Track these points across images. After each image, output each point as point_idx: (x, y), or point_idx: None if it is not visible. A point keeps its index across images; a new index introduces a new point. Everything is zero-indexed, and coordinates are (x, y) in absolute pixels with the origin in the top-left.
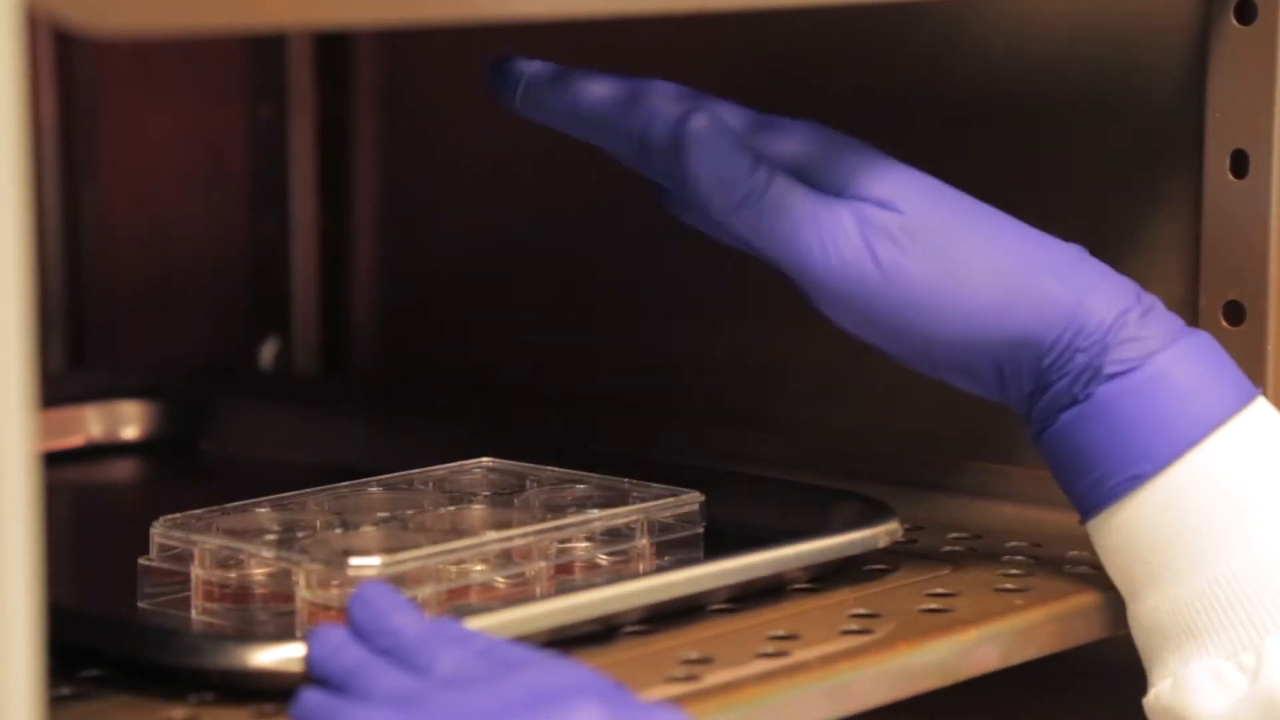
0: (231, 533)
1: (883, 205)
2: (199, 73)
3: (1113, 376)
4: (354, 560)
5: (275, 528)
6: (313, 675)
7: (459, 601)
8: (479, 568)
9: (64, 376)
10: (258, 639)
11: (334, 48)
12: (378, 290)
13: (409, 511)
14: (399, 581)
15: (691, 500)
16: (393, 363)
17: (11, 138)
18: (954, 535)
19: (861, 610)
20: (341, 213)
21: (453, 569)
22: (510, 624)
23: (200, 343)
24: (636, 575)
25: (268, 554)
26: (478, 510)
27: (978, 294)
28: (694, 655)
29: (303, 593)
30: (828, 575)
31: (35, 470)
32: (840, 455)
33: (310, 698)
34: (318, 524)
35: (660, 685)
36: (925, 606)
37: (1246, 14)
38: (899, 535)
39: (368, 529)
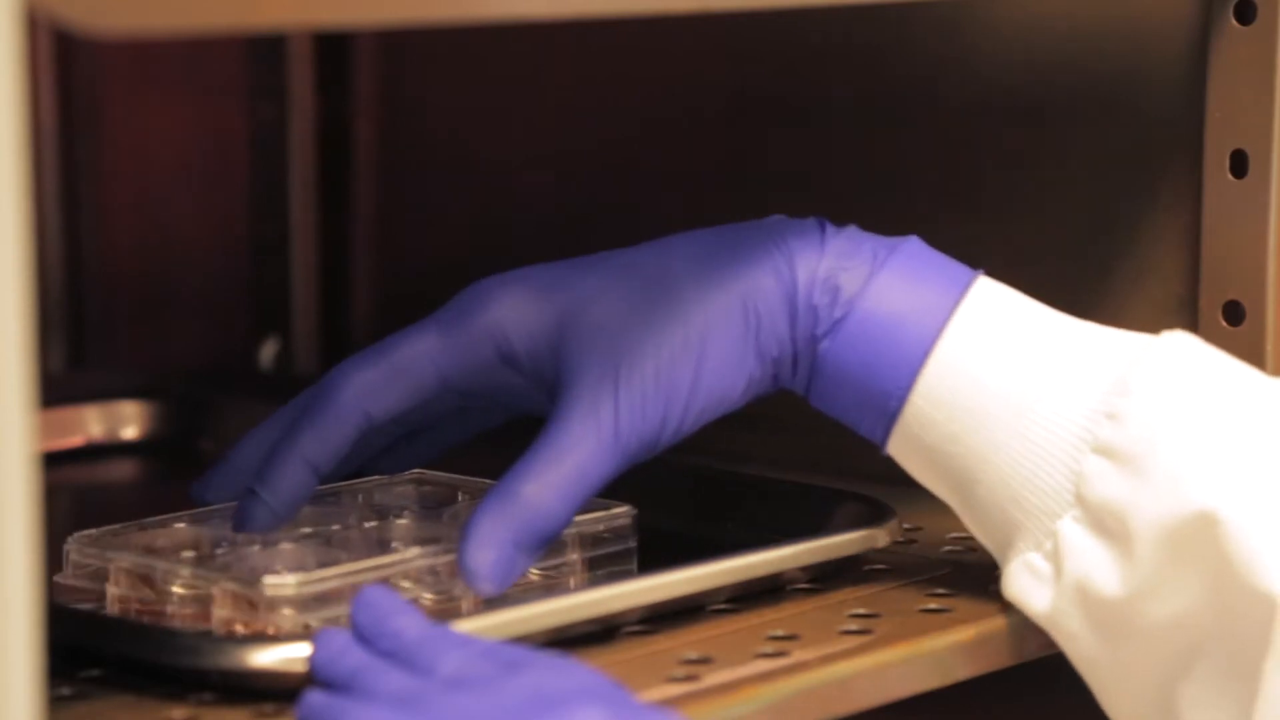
0: (148, 550)
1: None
2: (199, 73)
3: (826, 335)
4: (269, 579)
5: (194, 545)
6: (316, 677)
7: None
8: (405, 585)
9: (64, 376)
10: (258, 639)
11: (334, 48)
12: (378, 290)
13: (333, 527)
14: (320, 601)
15: (624, 514)
16: None
17: (11, 138)
18: (954, 535)
19: (861, 610)
20: (341, 213)
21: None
22: (510, 624)
23: (200, 343)
24: (569, 591)
25: (185, 572)
26: (403, 525)
27: (700, 396)
28: (694, 655)
29: (219, 612)
30: (828, 575)
31: (35, 470)
32: (840, 455)
33: (314, 699)
34: (238, 539)
35: (660, 685)
36: (925, 606)
37: (1246, 14)
38: (899, 535)
39: (288, 546)
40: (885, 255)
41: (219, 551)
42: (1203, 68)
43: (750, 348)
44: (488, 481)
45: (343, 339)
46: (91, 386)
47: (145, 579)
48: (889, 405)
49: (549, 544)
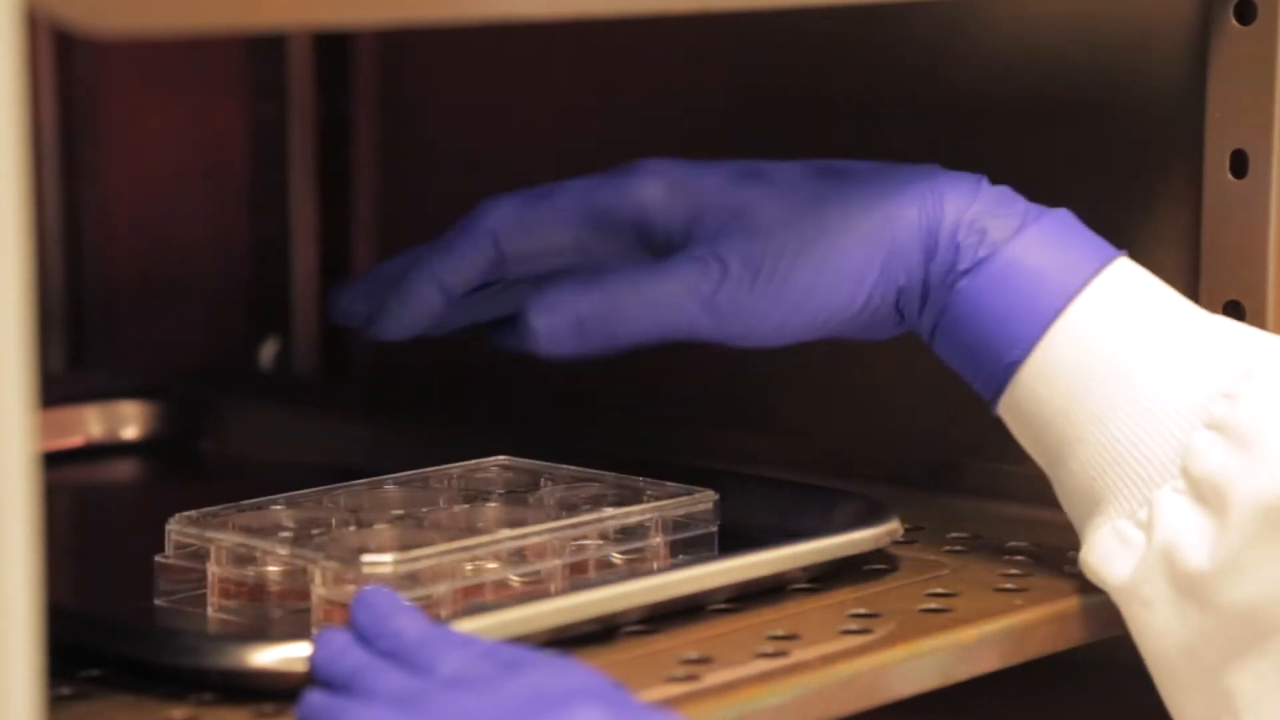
0: (247, 530)
1: (713, 260)
2: (199, 73)
3: (966, 273)
4: (367, 558)
5: (290, 525)
6: (316, 677)
7: (473, 600)
8: (493, 566)
9: (64, 376)
10: (257, 639)
11: (334, 48)
12: None
13: (424, 509)
14: (413, 580)
15: (705, 499)
16: (393, 363)
17: (11, 138)
18: (954, 535)
19: (861, 610)
20: (341, 213)
21: (467, 567)
22: (511, 624)
23: (200, 343)
24: (650, 573)
25: (283, 551)
26: (492, 508)
27: (817, 296)
28: (694, 655)
29: (317, 590)
30: (828, 575)
31: (35, 470)
32: (840, 455)
33: (314, 699)
34: (333, 521)
35: (660, 685)
36: (925, 606)
37: (1246, 14)
38: (899, 535)
39: (382, 527)
40: (1037, 214)
41: (315, 532)
42: (1203, 68)
43: (874, 268)
44: (572, 468)
45: (343, 339)
46: (91, 386)
47: (244, 558)
48: (1012, 354)
49: (609, 343)
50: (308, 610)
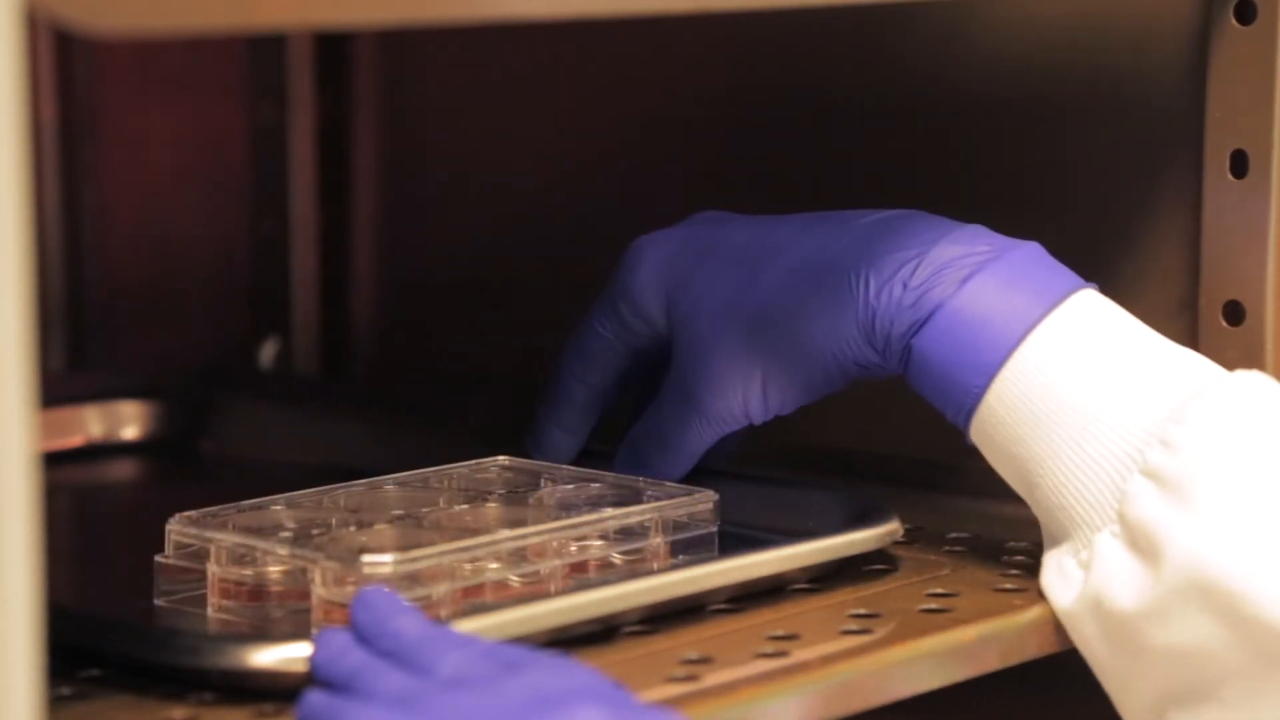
0: (247, 530)
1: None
2: (199, 73)
3: (915, 333)
4: (367, 558)
5: (291, 525)
6: (316, 677)
7: (473, 600)
8: (493, 566)
9: (64, 376)
10: (257, 639)
11: (334, 48)
12: (378, 290)
13: (424, 510)
14: (413, 580)
15: (705, 499)
16: (393, 363)
17: (11, 138)
18: (954, 535)
19: (861, 610)
20: (341, 213)
21: (467, 567)
22: (511, 624)
23: (200, 343)
24: (650, 573)
25: (283, 551)
26: (493, 508)
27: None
28: (694, 655)
29: (318, 590)
30: (828, 575)
31: (35, 470)
32: (840, 455)
33: (314, 699)
34: (333, 522)
35: (660, 685)
36: (925, 606)
37: (1246, 14)
38: (899, 535)
39: (382, 527)
40: (992, 257)
41: (315, 533)
42: (1203, 68)
43: (827, 362)
44: (572, 468)
45: (343, 339)
46: (91, 386)
47: (244, 558)
48: (966, 402)
49: None
50: (308, 610)
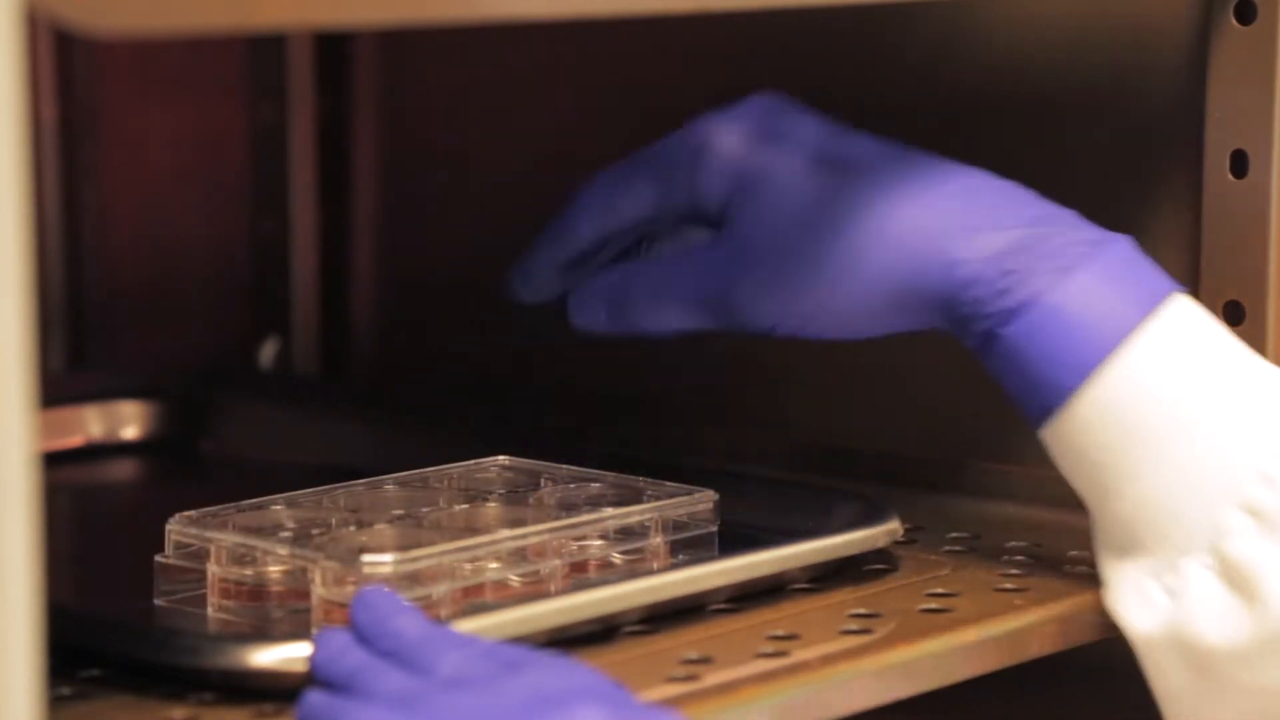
0: (247, 530)
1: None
2: (199, 73)
3: (1006, 322)
4: (367, 558)
5: (291, 525)
6: (316, 677)
7: (473, 599)
8: (493, 566)
9: (64, 376)
10: (257, 639)
11: (334, 48)
12: (378, 290)
13: (424, 509)
14: (413, 579)
15: (705, 499)
16: (393, 363)
17: (11, 138)
18: (954, 535)
19: (861, 610)
20: (341, 213)
21: (467, 567)
22: (510, 624)
23: (200, 343)
24: (650, 573)
25: (283, 551)
26: (493, 508)
27: (838, 314)
28: (694, 655)
29: (318, 590)
30: (828, 575)
31: (35, 470)
32: (840, 455)
33: (314, 699)
34: (333, 521)
35: (660, 685)
36: (925, 606)
37: (1246, 14)
38: (899, 535)
39: (382, 527)
40: (1088, 252)
41: (315, 532)
42: (1203, 68)
43: (898, 308)
44: (572, 468)
45: (343, 339)
46: (91, 386)
47: (244, 558)
48: (1051, 401)
49: (635, 330)
50: (308, 610)
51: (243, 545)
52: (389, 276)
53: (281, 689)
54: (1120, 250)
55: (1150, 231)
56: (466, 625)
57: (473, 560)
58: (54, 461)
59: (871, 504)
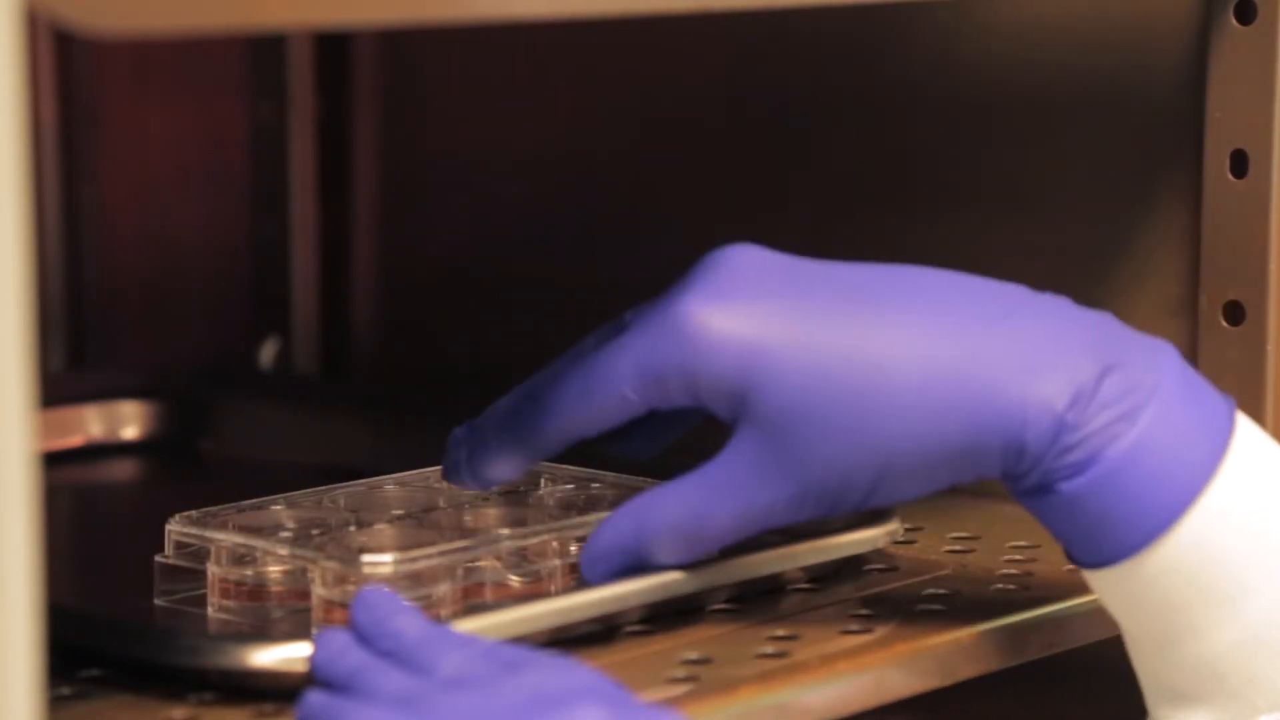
0: (247, 530)
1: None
2: (199, 73)
3: (1068, 478)
4: (367, 558)
5: (291, 525)
6: (316, 677)
7: (473, 599)
8: (493, 565)
9: (64, 376)
10: (257, 639)
11: (334, 48)
12: (378, 290)
13: (424, 510)
14: (413, 579)
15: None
16: (393, 363)
17: (11, 138)
18: (954, 535)
19: (861, 610)
20: (341, 213)
21: (467, 567)
22: (510, 624)
23: (200, 343)
24: (650, 573)
25: (283, 551)
26: (492, 508)
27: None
28: (694, 655)
29: (318, 590)
30: (828, 575)
31: (35, 470)
32: None
33: (314, 699)
34: (333, 522)
35: (660, 685)
36: (925, 606)
37: (1246, 14)
38: (899, 535)
39: (382, 527)
40: (1152, 394)
41: (314, 533)
42: (1203, 68)
43: (946, 481)
44: (570, 468)
45: (343, 339)
46: (91, 386)
47: (244, 558)
48: (1118, 555)
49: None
50: (308, 610)
51: (243, 545)
52: (389, 276)
53: (281, 689)
54: (1175, 375)
55: (1150, 231)
56: (466, 625)
57: (472, 561)
58: (54, 461)
59: None
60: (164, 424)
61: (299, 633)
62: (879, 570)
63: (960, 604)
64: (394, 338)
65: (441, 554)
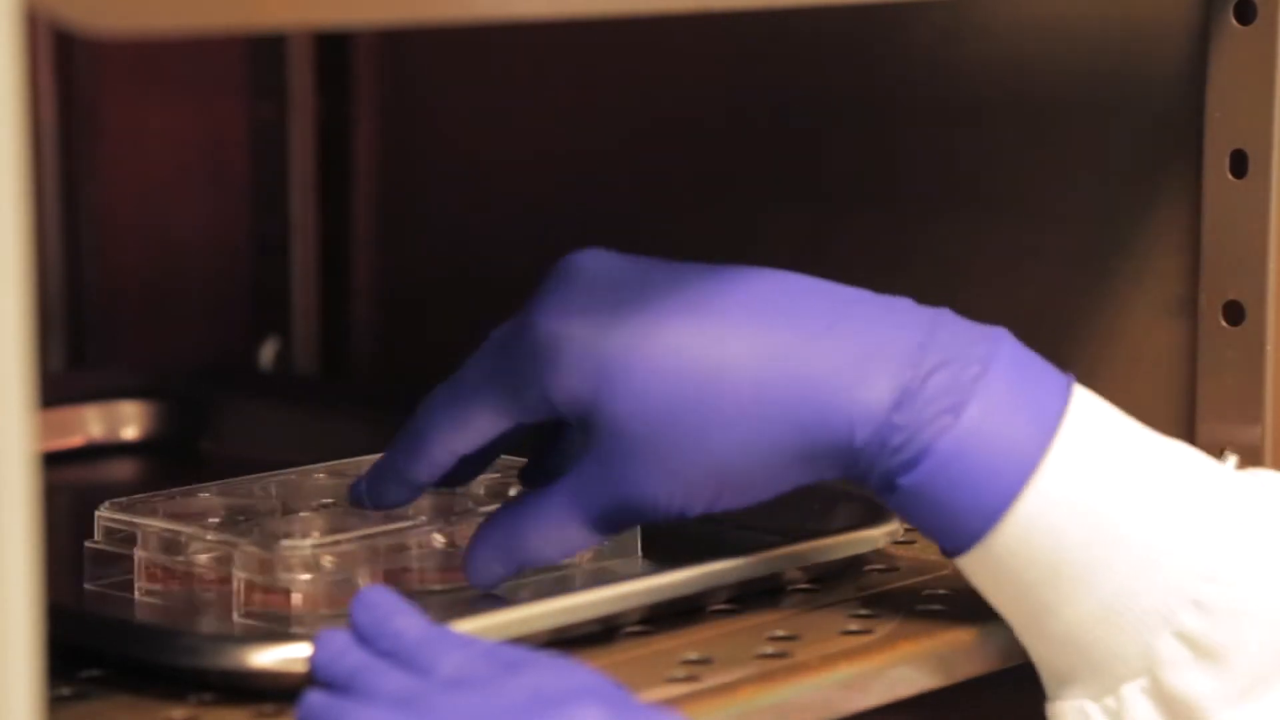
0: (175, 516)
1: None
2: (199, 73)
3: (904, 473)
4: (286, 542)
5: (220, 512)
6: (316, 678)
7: (395, 584)
8: (416, 550)
9: (64, 376)
10: (257, 639)
11: (334, 48)
12: (378, 290)
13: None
14: (337, 562)
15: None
16: (393, 363)
17: (11, 138)
18: None
19: (861, 610)
20: (341, 213)
21: (389, 551)
22: (511, 624)
23: (200, 343)
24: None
25: (210, 537)
26: (422, 497)
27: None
28: (694, 655)
29: (239, 573)
30: (828, 575)
31: (35, 470)
32: None
33: (314, 699)
34: (261, 509)
35: (660, 685)
36: (925, 606)
37: (1246, 14)
38: (899, 535)
39: (308, 514)
40: (977, 379)
41: (240, 519)
42: (1203, 68)
43: (789, 484)
44: (506, 458)
45: (343, 339)
46: (91, 386)
47: (172, 543)
48: (963, 542)
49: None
50: (231, 595)
51: (169, 530)
52: (389, 276)
53: (281, 689)
54: (1005, 360)
55: (1150, 231)
56: (466, 625)
57: (398, 547)
58: (54, 461)
59: (871, 504)
60: (164, 424)
61: (223, 616)
62: (879, 570)
63: (960, 604)
64: (394, 338)
65: (363, 537)
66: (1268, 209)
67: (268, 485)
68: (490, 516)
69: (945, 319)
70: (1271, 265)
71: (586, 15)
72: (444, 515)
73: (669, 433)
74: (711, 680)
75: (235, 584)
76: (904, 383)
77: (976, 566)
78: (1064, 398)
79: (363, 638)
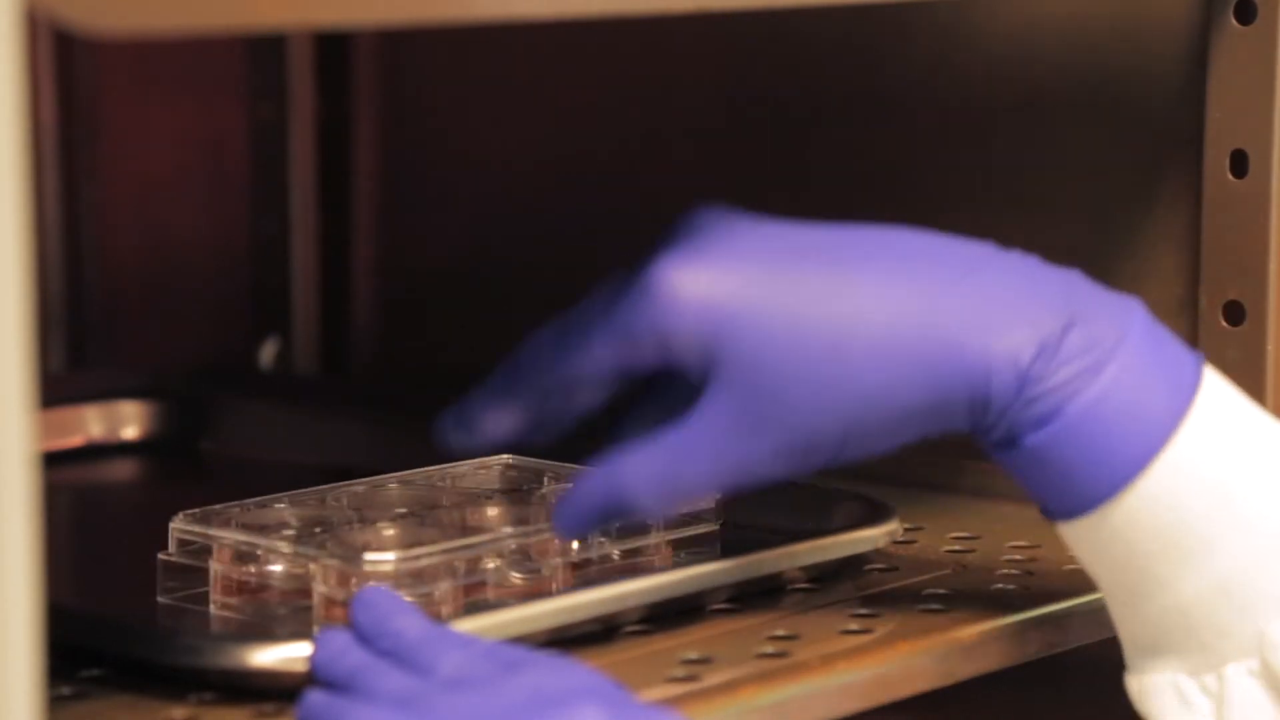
0: (250, 528)
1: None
2: (199, 73)
3: (1032, 430)
4: (369, 556)
5: (293, 523)
6: (316, 677)
7: (474, 598)
8: (495, 564)
9: (64, 376)
10: (257, 639)
11: (334, 48)
12: (378, 290)
13: (426, 508)
14: (415, 577)
15: (707, 498)
16: (393, 363)
17: (11, 138)
18: (954, 535)
19: (861, 610)
20: (341, 213)
21: (468, 565)
22: (511, 624)
23: (200, 343)
24: (650, 573)
25: (286, 549)
26: (495, 507)
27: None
28: (694, 655)
29: (319, 588)
30: (828, 575)
31: (35, 470)
32: None
33: (314, 699)
34: (335, 520)
35: (660, 685)
36: (925, 606)
37: (1246, 14)
38: (899, 535)
39: (384, 525)
40: (1115, 347)
41: (317, 531)
42: (1203, 68)
43: (914, 434)
44: (574, 466)
45: (343, 339)
46: (91, 386)
47: (247, 556)
48: (1084, 506)
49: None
50: (309, 608)
51: (245, 543)
52: (389, 276)
53: (281, 689)
54: (1140, 330)
55: (1150, 231)
56: (466, 625)
57: (474, 559)
58: (54, 461)
59: (871, 504)
60: (164, 424)
61: (301, 631)
62: (879, 570)
63: (960, 604)
64: (394, 338)
65: (443, 552)
66: (1268, 209)
67: (340, 496)
68: (589, 470)
69: (1078, 279)
70: (1271, 265)
71: (586, 15)
72: (522, 528)
73: (797, 382)
74: (711, 680)
75: (316, 598)
76: (1043, 336)
77: (1085, 533)
78: (1197, 373)
79: (363, 637)
